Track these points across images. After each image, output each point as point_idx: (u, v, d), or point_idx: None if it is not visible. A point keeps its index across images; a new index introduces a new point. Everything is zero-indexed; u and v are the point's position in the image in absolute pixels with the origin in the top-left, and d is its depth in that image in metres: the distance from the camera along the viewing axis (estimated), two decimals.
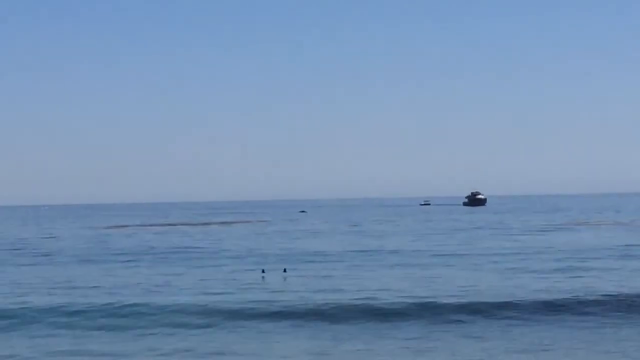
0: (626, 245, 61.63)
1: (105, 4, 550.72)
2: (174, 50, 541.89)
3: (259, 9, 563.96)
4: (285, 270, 46.08)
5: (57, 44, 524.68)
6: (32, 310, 32.90)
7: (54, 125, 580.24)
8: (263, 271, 46.00)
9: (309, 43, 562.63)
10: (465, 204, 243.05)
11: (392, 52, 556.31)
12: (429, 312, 31.05)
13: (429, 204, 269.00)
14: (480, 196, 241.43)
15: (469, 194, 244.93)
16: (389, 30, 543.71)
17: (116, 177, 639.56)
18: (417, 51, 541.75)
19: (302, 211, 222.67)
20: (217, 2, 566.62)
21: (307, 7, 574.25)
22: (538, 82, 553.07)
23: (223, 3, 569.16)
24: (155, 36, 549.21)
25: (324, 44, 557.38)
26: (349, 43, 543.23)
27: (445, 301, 32.96)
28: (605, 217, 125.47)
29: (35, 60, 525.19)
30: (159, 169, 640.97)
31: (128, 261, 56.41)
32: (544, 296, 33.97)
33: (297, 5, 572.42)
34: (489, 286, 38.06)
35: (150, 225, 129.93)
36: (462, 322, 29.22)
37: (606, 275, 42.29)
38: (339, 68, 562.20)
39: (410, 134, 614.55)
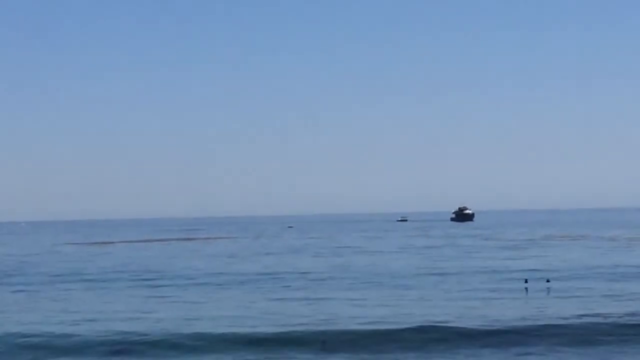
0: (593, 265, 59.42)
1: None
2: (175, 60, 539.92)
3: (249, 22, 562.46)
4: (548, 281, 44.00)
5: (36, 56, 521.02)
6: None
7: (30, 140, 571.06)
8: (526, 281, 44.06)
9: (297, 62, 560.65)
10: (452, 219, 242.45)
11: (373, 68, 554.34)
12: None
13: (406, 220, 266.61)
14: (467, 211, 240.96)
15: (457, 209, 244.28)
16: (369, 46, 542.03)
17: (94, 194, 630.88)
18: (399, 67, 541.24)
19: (290, 227, 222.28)
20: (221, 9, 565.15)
21: (298, 29, 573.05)
22: (528, 96, 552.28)
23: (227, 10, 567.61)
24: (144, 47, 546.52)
25: (311, 64, 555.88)
26: (332, 60, 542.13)
27: None
28: (588, 232, 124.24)
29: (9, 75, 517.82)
30: (141, 184, 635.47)
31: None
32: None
33: (289, 23, 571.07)
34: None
35: (139, 241, 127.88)
36: None
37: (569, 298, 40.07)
38: (323, 85, 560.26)
39: (395, 150, 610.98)
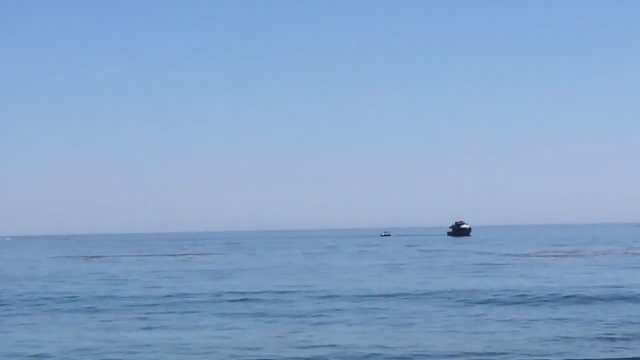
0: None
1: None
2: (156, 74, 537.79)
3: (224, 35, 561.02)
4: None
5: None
6: None
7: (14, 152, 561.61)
8: None
9: (276, 80, 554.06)
10: (449, 233, 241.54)
11: (357, 75, 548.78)
12: None
13: (389, 235, 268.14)
14: (464, 226, 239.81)
15: (453, 223, 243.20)
16: (354, 51, 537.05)
17: (76, 208, 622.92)
18: (386, 78, 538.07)
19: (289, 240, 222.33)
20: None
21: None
22: (525, 105, 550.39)
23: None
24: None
25: (291, 79, 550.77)
26: (313, 72, 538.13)
27: None
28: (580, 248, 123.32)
29: None
30: (129, 198, 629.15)
31: None
32: None
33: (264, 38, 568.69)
34: None
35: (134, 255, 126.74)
36: None
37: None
38: (304, 99, 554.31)
39: (385, 164, 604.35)
